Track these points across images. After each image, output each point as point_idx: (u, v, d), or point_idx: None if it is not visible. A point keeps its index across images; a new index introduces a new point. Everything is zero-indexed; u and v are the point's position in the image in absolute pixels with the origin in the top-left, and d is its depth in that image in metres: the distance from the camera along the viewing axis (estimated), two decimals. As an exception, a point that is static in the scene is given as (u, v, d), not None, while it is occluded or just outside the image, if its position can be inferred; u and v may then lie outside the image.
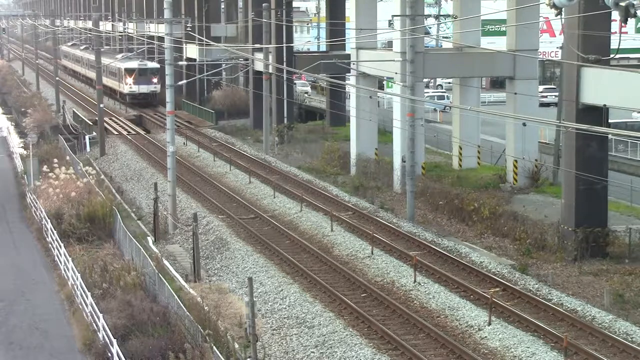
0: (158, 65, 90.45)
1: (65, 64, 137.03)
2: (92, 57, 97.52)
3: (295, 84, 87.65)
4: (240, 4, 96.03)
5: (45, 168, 55.81)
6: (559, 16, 19.05)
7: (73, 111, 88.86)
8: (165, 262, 39.26)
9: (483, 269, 37.52)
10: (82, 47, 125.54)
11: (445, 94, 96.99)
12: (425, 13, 68.83)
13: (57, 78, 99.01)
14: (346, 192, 53.18)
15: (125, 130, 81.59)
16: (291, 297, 34.57)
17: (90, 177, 55.52)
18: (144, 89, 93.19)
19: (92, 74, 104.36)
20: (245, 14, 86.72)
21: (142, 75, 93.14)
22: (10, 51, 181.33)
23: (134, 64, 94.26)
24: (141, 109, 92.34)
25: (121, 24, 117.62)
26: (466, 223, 46.59)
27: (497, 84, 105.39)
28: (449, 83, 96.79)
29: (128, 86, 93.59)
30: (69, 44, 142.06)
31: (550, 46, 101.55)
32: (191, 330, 29.80)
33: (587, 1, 36.01)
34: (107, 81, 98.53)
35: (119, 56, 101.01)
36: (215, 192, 54.17)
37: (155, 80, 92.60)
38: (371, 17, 62.22)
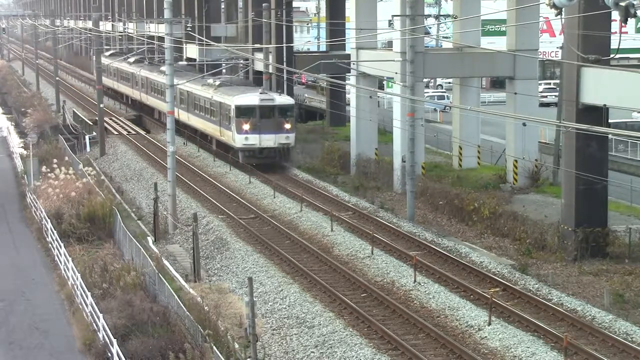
0: (291, 100, 61.52)
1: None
2: (155, 75, 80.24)
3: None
4: (240, 4, 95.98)
5: (45, 168, 55.81)
6: (559, 16, 19.05)
7: (73, 111, 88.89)
8: (165, 262, 39.27)
9: (483, 269, 37.52)
10: (131, 60, 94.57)
11: (445, 94, 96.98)
12: (425, 13, 68.81)
13: (57, 78, 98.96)
14: (346, 192, 53.17)
15: (125, 130, 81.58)
16: (291, 297, 34.58)
17: (90, 177, 55.52)
18: (268, 140, 58.58)
19: (156, 101, 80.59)
20: (245, 14, 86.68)
21: (266, 117, 58.66)
22: (10, 51, 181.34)
23: (251, 99, 59.34)
24: (263, 171, 58.10)
25: (121, 24, 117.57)
26: (466, 223, 46.59)
27: (497, 84, 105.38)
28: (449, 83, 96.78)
29: (241, 136, 58.72)
30: (107, 53, 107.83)
31: (550, 46, 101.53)
32: (191, 330, 29.81)
33: (587, 1, 36.01)
34: (197, 122, 68.74)
35: (213, 80, 67.30)
36: (215, 192, 54.17)
37: (287, 125, 58.72)
38: (371, 17, 62.23)
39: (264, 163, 58.57)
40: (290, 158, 60.26)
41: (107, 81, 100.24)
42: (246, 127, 58.27)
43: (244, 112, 58.66)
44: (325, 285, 35.61)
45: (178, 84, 68.29)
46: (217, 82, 65.41)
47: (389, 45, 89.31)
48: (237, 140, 58.94)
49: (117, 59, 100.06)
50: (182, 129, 71.02)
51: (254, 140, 58.36)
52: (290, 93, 68.64)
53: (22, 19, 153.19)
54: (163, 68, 72.64)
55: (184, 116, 71.47)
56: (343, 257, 39.97)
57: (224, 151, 62.98)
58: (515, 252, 41.50)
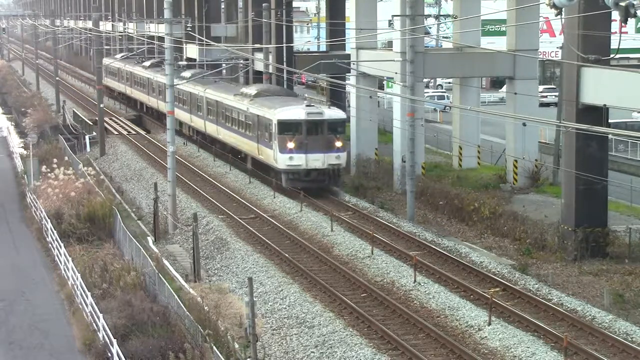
0: (342, 114, 53.19)
1: (111, 85, 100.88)
2: (183, 85, 67.98)
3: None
4: (240, 4, 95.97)
5: (45, 168, 55.82)
6: (559, 16, 19.06)
7: (73, 111, 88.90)
8: (165, 262, 39.27)
9: (483, 269, 37.52)
10: (146, 64, 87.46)
11: (445, 94, 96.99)
12: (425, 13, 68.82)
13: (57, 78, 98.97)
14: (346, 192, 53.16)
15: (125, 130, 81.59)
16: (291, 297, 34.57)
17: (90, 177, 55.52)
18: (316, 160, 50.61)
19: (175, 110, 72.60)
20: (245, 14, 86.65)
21: (313, 133, 50.75)
22: (10, 51, 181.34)
23: (296, 112, 51.40)
24: (311, 196, 49.71)
25: (121, 24, 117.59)
26: (466, 223, 46.59)
27: (497, 84, 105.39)
28: (449, 83, 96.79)
29: (285, 155, 50.77)
30: (119, 56, 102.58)
31: (550, 46, 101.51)
32: (191, 330, 29.81)
33: (587, 1, 36.01)
34: (228, 136, 61.15)
35: (247, 89, 60.29)
36: (215, 192, 54.17)
37: (338, 143, 50.86)
38: (371, 17, 62.25)
39: (311, 187, 50.36)
40: (341, 181, 52.40)
41: (119, 86, 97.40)
42: (290, 145, 50.39)
43: (287, 127, 50.73)
44: (325, 285, 35.61)
45: (205, 92, 64.84)
46: (253, 91, 57.92)
47: (389, 45, 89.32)
48: (280, 160, 50.74)
49: (129, 62, 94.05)
50: (210, 143, 65.83)
51: (300, 160, 50.37)
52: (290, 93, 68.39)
53: (22, 19, 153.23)
54: (184, 73, 70.78)
55: (212, 129, 64.61)
56: (343, 257, 39.97)
57: (261, 171, 55.02)
58: (515, 252, 41.51)
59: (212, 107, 64.26)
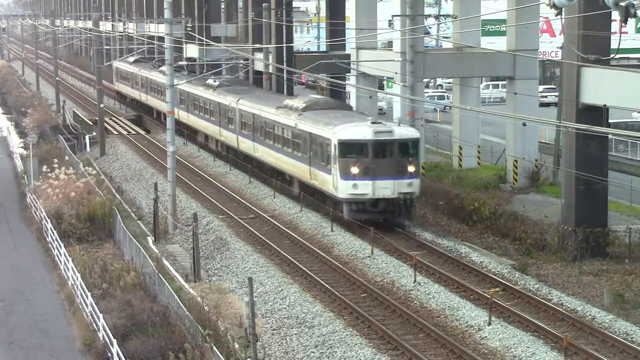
0: (416, 133, 45.18)
1: (123, 90, 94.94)
2: (201, 90, 66.51)
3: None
4: (240, 4, 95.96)
5: (45, 168, 55.82)
6: (559, 16, 19.07)
7: (73, 111, 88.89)
8: (165, 262, 39.27)
9: (483, 269, 37.53)
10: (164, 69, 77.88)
11: (445, 94, 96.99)
12: (425, 13, 68.84)
13: (57, 78, 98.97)
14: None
15: (125, 130, 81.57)
16: (291, 297, 34.58)
17: (90, 177, 55.52)
18: (385, 188, 42.87)
19: (203, 123, 66.64)
20: (245, 14, 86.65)
21: (381, 156, 43.12)
22: (10, 51, 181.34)
23: (361, 131, 43.56)
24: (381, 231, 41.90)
25: (121, 24, 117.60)
26: (466, 223, 46.57)
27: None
28: (449, 83, 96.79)
29: (347, 182, 43.08)
30: (131, 58, 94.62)
31: (550, 46, 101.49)
32: (191, 330, 29.82)
33: (587, 1, 36.01)
34: (269, 155, 53.22)
35: (293, 101, 52.06)
36: (215, 192, 54.16)
37: (411, 168, 43.22)
38: (371, 17, 62.27)
39: (379, 219, 43.07)
40: (414, 213, 44.75)
41: (132, 92, 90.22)
42: (354, 170, 42.70)
43: (351, 149, 43.07)
44: (325, 285, 35.61)
45: (239, 103, 57.30)
46: (301, 104, 49.96)
47: (389, 45, 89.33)
48: (341, 188, 43.18)
49: (144, 66, 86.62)
50: (243, 161, 58.51)
51: (365, 188, 42.71)
52: (290, 93, 68.51)
53: (22, 19, 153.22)
54: (210, 81, 65.88)
55: (247, 145, 56.96)
56: (343, 257, 39.96)
57: (314, 197, 47.24)
58: (515, 252, 41.50)
59: (247, 120, 56.54)
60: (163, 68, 77.24)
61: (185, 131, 71.61)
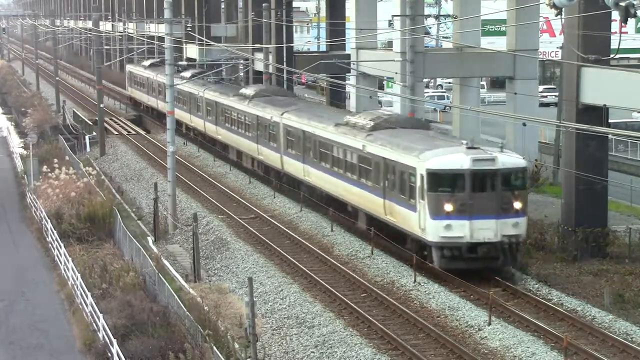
0: (522, 161, 37.78)
1: (138, 97, 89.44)
2: (232, 100, 59.71)
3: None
4: (240, 4, 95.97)
5: (45, 168, 55.83)
6: (559, 16, 19.07)
7: (73, 111, 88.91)
8: (165, 262, 39.27)
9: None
10: (186, 74, 72.05)
11: (445, 94, 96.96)
12: (425, 13, 68.82)
13: (57, 78, 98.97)
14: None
15: (125, 130, 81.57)
16: (291, 297, 34.58)
17: (90, 177, 55.52)
18: (486, 230, 35.12)
19: (236, 138, 59.26)
20: (245, 14, 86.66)
21: (480, 189, 35.33)
22: (10, 51, 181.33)
23: (457, 159, 35.57)
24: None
25: (121, 24, 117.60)
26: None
27: (497, 84, 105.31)
28: (449, 83, 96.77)
29: (439, 222, 35.13)
30: (146, 62, 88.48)
31: (550, 46, 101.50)
32: (191, 330, 29.82)
33: (587, 1, 35.98)
34: (325, 181, 45.57)
35: (357, 118, 43.88)
36: (215, 192, 54.15)
37: (517, 204, 35.61)
38: (371, 17, 62.23)
39: (478, 268, 35.68)
40: (519, 260, 36.63)
41: (148, 99, 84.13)
42: (448, 207, 34.93)
43: (443, 181, 35.26)
44: (325, 285, 35.60)
45: (283, 117, 50.18)
46: (368, 122, 42.09)
47: (389, 45, 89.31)
48: (431, 229, 35.23)
49: (160, 70, 76.30)
50: (287, 184, 51.62)
51: (461, 230, 34.89)
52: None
53: (22, 19, 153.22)
54: (245, 90, 59.98)
55: (294, 168, 49.47)
56: (343, 257, 39.96)
57: (387, 235, 39.25)
58: (515, 252, 41.41)
59: (294, 138, 49.17)
60: (185, 74, 71.88)
61: (215, 147, 64.83)
